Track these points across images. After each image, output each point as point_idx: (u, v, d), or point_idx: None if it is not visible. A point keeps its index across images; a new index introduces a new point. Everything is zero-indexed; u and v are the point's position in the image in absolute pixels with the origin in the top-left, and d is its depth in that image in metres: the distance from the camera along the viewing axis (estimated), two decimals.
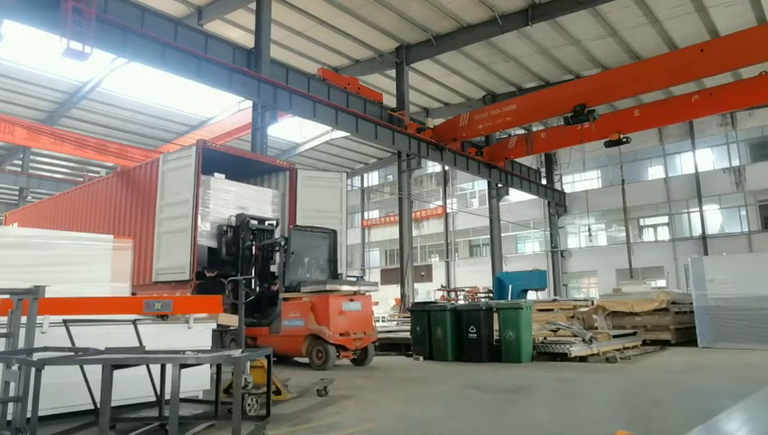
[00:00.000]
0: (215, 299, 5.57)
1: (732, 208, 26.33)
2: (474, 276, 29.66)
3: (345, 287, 9.57)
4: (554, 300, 16.21)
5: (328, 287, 9.26)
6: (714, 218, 26.78)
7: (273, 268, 10.87)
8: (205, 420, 4.79)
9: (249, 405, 4.88)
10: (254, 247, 10.78)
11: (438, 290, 28.08)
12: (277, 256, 10.61)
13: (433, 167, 35.03)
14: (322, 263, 10.49)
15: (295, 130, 30.26)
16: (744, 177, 25.64)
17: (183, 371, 3.68)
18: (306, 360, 9.33)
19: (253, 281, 10.53)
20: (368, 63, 20.78)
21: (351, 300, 9.41)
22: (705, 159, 27.27)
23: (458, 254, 34.77)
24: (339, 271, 10.90)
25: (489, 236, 25.42)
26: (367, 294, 9.92)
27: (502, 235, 25.61)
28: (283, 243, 9.85)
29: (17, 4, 10.29)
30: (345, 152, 33.37)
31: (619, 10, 17.54)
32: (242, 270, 10.49)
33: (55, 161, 29.36)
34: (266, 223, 11.23)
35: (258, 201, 11.68)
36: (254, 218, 11.02)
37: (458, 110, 22.91)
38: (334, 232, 10.76)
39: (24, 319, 4.15)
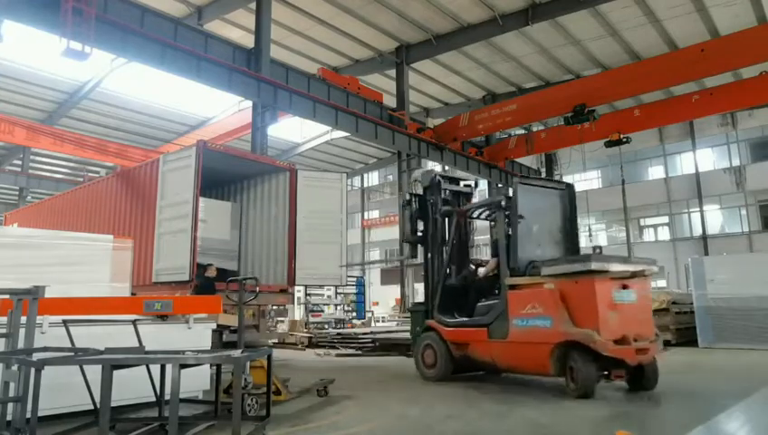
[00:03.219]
0: (214, 299, 5.57)
1: (732, 208, 26.32)
2: None
3: (617, 267, 6.29)
4: None
5: (593, 266, 6.04)
6: (714, 218, 26.77)
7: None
8: (205, 420, 4.79)
9: (249, 405, 4.88)
10: (451, 216, 8.10)
11: None
12: (476, 230, 8.32)
13: (433, 167, 35.01)
14: (557, 234, 7.45)
15: (295, 130, 30.24)
16: (744, 177, 25.62)
17: (183, 371, 3.68)
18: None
19: (448, 263, 8.00)
20: (368, 63, 20.76)
21: (625, 287, 6.21)
22: (706, 159, 27.26)
23: None
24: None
25: (489, 237, 25.39)
26: (647, 275, 6.63)
27: None
28: (504, 204, 7.19)
29: (17, 4, 10.28)
30: (345, 152, 33.35)
31: (620, 10, 17.52)
32: (433, 248, 8.06)
33: (55, 161, 29.33)
34: (461, 184, 8.63)
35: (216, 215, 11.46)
36: (445, 177, 8.50)
37: (458, 110, 22.88)
38: (570, 187, 7.78)
39: (23, 319, 4.15)
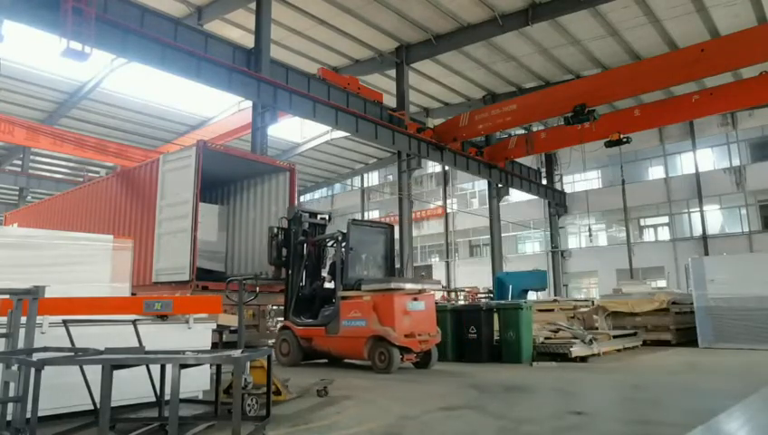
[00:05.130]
0: (214, 299, 5.57)
1: (732, 208, 26.33)
2: (474, 276, 29.66)
3: (409, 286, 9.11)
4: (554, 300, 16.21)
5: (392, 286, 8.74)
6: (714, 218, 26.77)
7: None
8: (205, 420, 4.79)
9: (249, 405, 4.87)
10: (306, 244, 10.14)
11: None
12: (330, 253, 10.25)
13: (433, 167, 35.01)
14: (379, 260, 9.94)
15: (295, 130, 30.27)
16: (744, 177, 25.64)
17: (183, 371, 3.67)
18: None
19: (304, 278, 10.09)
20: (368, 63, 20.76)
21: (416, 299, 8.88)
22: (706, 159, 27.27)
23: (458, 254, 34.76)
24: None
25: (489, 237, 25.42)
26: (431, 292, 9.52)
27: (502, 235, 25.58)
28: (340, 238, 9.40)
29: (17, 4, 10.29)
30: (345, 152, 33.36)
31: (620, 10, 17.53)
32: (293, 267, 9.99)
33: (55, 161, 29.36)
34: (318, 217, 10.63)
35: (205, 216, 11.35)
36: (306, 212, 10.45)
37: (458, 110, 22.89)
38: (391, 227, 10.30)
39: (23, 319, 4.14)
